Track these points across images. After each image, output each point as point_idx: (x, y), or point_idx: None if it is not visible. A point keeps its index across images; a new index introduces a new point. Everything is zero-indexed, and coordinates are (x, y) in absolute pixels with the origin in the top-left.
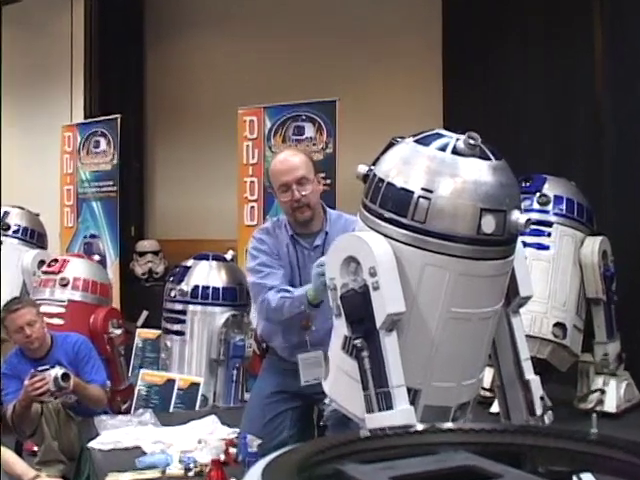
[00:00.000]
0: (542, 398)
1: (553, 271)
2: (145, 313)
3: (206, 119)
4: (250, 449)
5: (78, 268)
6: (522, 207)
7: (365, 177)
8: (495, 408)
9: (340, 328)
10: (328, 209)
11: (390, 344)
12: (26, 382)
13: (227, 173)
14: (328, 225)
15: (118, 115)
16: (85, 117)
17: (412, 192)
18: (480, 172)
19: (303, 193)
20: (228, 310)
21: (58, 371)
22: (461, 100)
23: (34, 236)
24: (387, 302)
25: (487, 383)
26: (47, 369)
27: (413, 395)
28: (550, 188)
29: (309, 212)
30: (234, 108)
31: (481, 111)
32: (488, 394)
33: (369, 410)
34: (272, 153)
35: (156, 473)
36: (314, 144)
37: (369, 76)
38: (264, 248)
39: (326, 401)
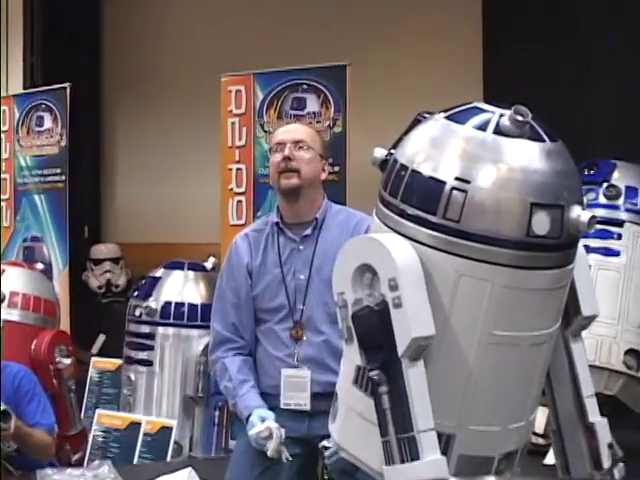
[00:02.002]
0: (611, 446)
1: (624, 283)
2: (102, 337)
3: (180, 90)
4: None
5: (15, 280)
6: (585, 201)
7: (383, 163)
8: (550, 459)
9: (351, 356)
10: (330, 202)
11: (416, 377)
12: None
13: (207, 158)
14: (324, 215)
15: (67, 84)
16: (25, 87)
17: (443, 182)
18: (530, 157)
19: (295, 154)
20: (208, 334)
21: None
22: (506, 67)
23: None
24: (412, 323)
25: (540, 427)
26: None
27: (445, 442)
28: (620, 177)
29: (296, 180)
30: (216, 75)
31: (531, 80)
32: (541, 441)
33: (389, 461)
34: (265, 133)
35: None
36: (318, 121)
37: (388, 36)
38: (229, 265)
39: (325, 442)
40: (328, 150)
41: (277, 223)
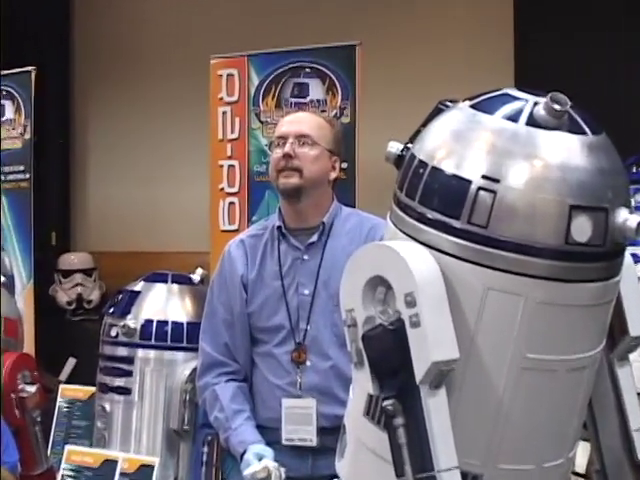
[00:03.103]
0: None
1: None
2: (72, 362)
3: (162, 75)
4: None
5: None
6: (632, 204)
7: (399, 160)
8: None
9: (362, 383)
10: (340, 204)
11: (437, 407)
12: None
13: (194, 154)
14: (333, 219)
15: (32, 68)
16: None
17: (469, 182)
18: (570, 152)
19: (298, 151)
20: (196, 357)
21: None
22: (542, 47)
23: None
24: (432, 345)
25: (581, 466)
26: None
27: None
28: None
29: (296, 180)
30: (203, 57)
31: (571, 64)
32: None
33: None
34: (261, 124)
35: None
36: (323, 111)
37: (404, 12)
38: (221, 276)
39: None
40: (342, 144)
41: (279, 227)
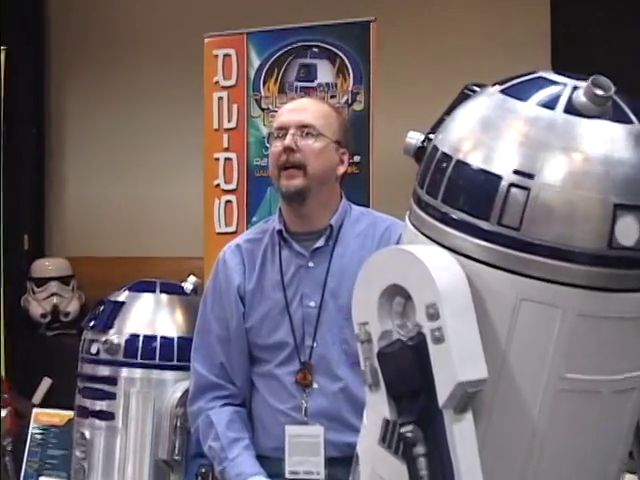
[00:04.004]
0: None
1: None
2: (47, 382)
3: (150, 56)
4: None
5: None
6: None
7: (419, 152)
8: None
9: (377, 407)
10: (349, 202)
11: (462, 434)
12: None
13: (186, 146)
14: (342, 221)
15: (2, 47)
16: None
17: (499, 177)
18: (614, 144)
19: (301, 143)
20: (187, 377)
21: None
22: (583, 23)
23: None
24: (457, 363)
25: None
26: None
27: None
28: None
29: (300, 181)
30: (197, 36)
31: (616, 43)
32: None
33: None
34: (262, 112)
35: None
36: (332, 96)
37: None
38: (216, 286)
39: None
40: (350, 134)
41: (280, 231)
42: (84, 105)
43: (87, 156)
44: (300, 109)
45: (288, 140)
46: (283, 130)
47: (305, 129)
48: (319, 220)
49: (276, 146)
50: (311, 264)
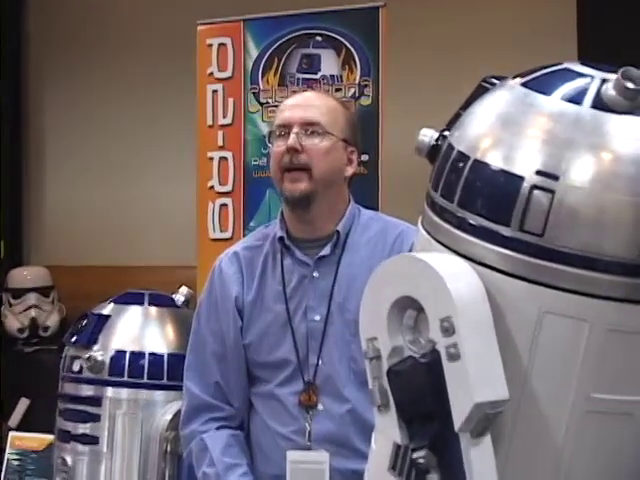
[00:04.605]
0: None
1: None
2: (24, 403)
3: (138, 46)
4: None
5: None
6: None
7: (433, 151)
8: None
9: (387, 431)
10: (358, 206)
11: (480, 460)
12: None
13: (177, 144)
14: (349, 226)
15: None
16: None
17: (521, 178)
18: None
19: (305, 143)
20: (179, 397)
21: None
22: (613, 9)
23: None
24: (475, 382)
25: None
26: None
27: None
28: None
29: (305, 185)
30: (189, 23)
31: None
32: None
33: None
34: (260, 106)
35: None
36: (338, 89)
37: None
38: (211, 298)
39: None
40: (359, 131)
41: (281, 238)
42: (65, 101)
43: (68, 157)
44: (304, 104)
45: (292, 140)
46: (285, 128)
47: (310, 127)
48: (325, 226)
49: (278, 146)
50: (316, 274)
